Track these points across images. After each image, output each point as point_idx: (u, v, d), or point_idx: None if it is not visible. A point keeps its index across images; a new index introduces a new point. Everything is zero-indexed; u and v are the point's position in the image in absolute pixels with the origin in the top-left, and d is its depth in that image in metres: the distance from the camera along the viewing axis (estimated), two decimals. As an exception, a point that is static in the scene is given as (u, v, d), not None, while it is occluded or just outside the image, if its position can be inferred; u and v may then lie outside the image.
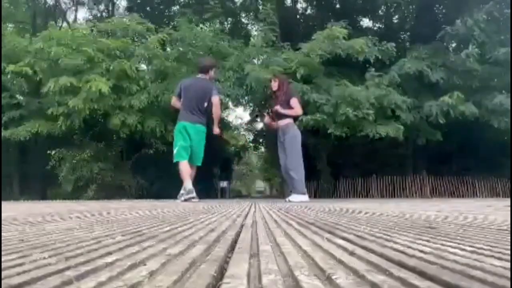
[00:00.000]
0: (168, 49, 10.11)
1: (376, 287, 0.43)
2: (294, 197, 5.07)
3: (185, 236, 0.90)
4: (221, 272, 0.53)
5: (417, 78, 9.34)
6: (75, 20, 16.30)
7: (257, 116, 17.17)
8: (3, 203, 4.27)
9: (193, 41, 8.97)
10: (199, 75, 5.26)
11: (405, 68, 8.95)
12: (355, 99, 8.25)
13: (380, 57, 9.08)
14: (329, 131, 8.72)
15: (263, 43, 9.27)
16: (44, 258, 0.60)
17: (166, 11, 15.40)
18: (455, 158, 12.02)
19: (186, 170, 4.91)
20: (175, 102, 5.30)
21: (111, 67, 8.57)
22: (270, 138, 15.14)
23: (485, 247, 0.71)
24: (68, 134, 9.84)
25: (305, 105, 8.98)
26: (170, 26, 10.07)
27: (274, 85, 5.51)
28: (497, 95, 8.69)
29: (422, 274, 0.47)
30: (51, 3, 15.92)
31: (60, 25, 15.49)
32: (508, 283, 0.41)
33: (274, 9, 10.32)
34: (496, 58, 8.91)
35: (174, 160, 5.03)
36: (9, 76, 9.23)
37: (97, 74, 8.47)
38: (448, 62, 9.18)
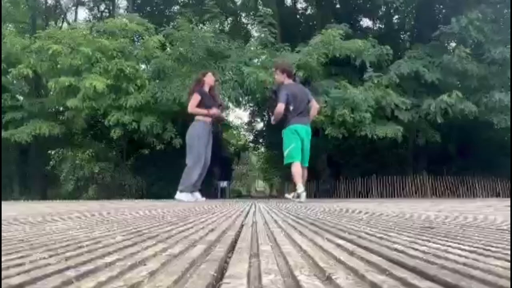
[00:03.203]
0: (168, 49, 10.12)
1: (376, 287, 0.43)
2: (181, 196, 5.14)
3: (185, 236, 0.90)
4: (221, 272, 0.53)
5: (414, 78, 9.36)
6: (75, 20, 16.31)
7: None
8: (3, 203, 4.27)
9: (193, 41, 8.97)
10: (292, 81, 5.26)
11: (401, 68, 8.98)
12: (353, 101, 8.27)
13: (376, 61, 9.11)
14: (326, 132, 8.74)
15: (261, 45, 9.28)
16: (44, 258, 0.60)
17: (166, 11, 15.42)
18: (455, 158, 12.03)
19: (299, 172, 4.89)
20: (282, 109, 5.03)
21: (109, 67, 8.58)
22: (270, 138, 15.17)
23: (485, 247, 0.71)
24: (69, 134, 9.86)
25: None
26: (171, 26, 10.07)
27: (211, 80, 5.45)
28: (496, 93, 8.70)
29: (422, 274, 0.47)
30: (51, 3, 15.92)
31: (60, 25, 15.51)
32: (508, 283, 0.41)
33: (274, 9, 10.33)
34: (493, 58, 8.92)
35: (286, 162, 4.97)
36: (8, 77, 9.24)
37: (95, 74, 8.48)
38: (444, 62, 9.19)
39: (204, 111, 5.24)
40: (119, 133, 8.84)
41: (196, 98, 5.19)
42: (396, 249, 0.67)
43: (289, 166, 5.06)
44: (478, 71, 8.97)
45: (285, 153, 4.98)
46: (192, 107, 5.19)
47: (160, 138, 9.31)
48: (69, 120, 9.10)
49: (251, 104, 14.53)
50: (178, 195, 5.12)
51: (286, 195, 5.32)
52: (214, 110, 5.31)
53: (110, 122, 8.64)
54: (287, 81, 5.22)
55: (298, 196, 4.83)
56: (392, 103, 8.58)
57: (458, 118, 8.80)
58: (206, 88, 5.39)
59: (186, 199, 5.03)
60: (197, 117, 5.30)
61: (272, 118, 5.18)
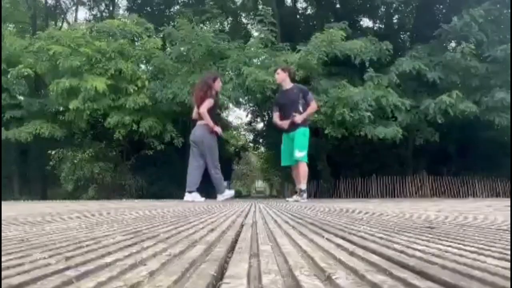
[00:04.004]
0: (168, 49, 10.12)
1: (376, 287, 0.43)
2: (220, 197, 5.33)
3: (185, 236, 0.90)
4: (221, 272, 0.53)
5: (415, 77, 9.35)
6: (75, 20, 16.31)
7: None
8: (3, 203, 4.27)
9: (193, 41, 8.97)
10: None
11: (402, 67, 8.97)
12: (352, 101, 8.27)
13: (375, 59, 9.10)
14: (326, 132, 8.75)
15: (261, 44, 9.27)
16: (44, 258, 0.60)
17: (166, 11, 15.42)
18: (455, 158, 12.02)
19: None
20: None
21: (108, 67, 8.58)
22: (270, 138, 15.16)
23: (485, 247, 0.71)
24: (69, 134, 9.86)
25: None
26: (171, 26, 10.08)
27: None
28: (497, 92, 8.69)
29: (422, 274, 0.47)
30: (51, 3, 15.93)
31: (60, 25, 15.51)
32: (508, 283, 0.41)
33: (274, 9, 10.32)
34: (495, 56, 8.91)
35: (303, 160, 5.21)
36: (9, 76, 9.24)
37: (95, 75, 8.49)
38: (446, 61, 9.18)
39: (211, 122, 5.32)
40: (122, 134, 8.88)
41: (210, 103, 5.29)
42: (396, 249, 0.67)
43: (290, 164, 5.35)
44: (480, 69, 8.97)
45: (305, 152, 5.18)
46: (205, 111, 5.26)
47: (160, 138, 9.31)
48: (70, 121, 9.11)
49: (251, 104, 14.52)
50: (219, 197, 5.31)
51: (288, 199, 5.35)
52: (218, 129, 5.49)
53: (110, 124, 8.65)
54: (290, 83, 5.40)
55: (302, 195, 5.16)
56: (391, 103, 8.58)
57: (458, 117, 8.79)
58: (213, 93, 5.45)
59: (229, 195, 5.31)
60: (202, 121, 5.38)
61: (298, 116, 5.19)
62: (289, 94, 5.31)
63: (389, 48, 9.22)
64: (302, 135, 5.18)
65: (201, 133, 5.35)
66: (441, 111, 8.52)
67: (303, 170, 5.18)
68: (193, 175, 5.29)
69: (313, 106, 5.33)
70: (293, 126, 5.22)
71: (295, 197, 5.23)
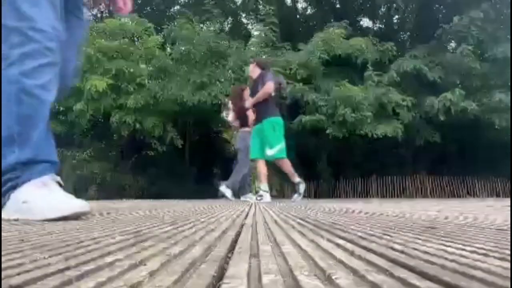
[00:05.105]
0: (168, 49, 10.13)
1: (376, 287, 0.43)
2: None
3: (185, 236, 0.90)
4: (221, 272, 0.53)
5: (416, 77, 9.37)
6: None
7: None
8: (3, 203, 4.26)
9: (194, 41, 8.99)
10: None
11: (403, 67, 8.98)
12: (354, 100, 8.29)
13: (378, 59, 9.12)
14: (327, 132, 8.76)
15: (262, 43, 9.29)
16: (44, 258, 0.60)
17: (166, 11, 15.42)
18: (455, 158, 12.02)
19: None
20: (272, 88, 4.74)
21: (109, 67, 8.61)
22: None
23: (485, 247, 0.71)
24: (69, 133, 9.88)
25: (304, 105, 9.03)
26: (171, 26, 10.10)
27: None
28: (497, 93, 8.70)
29: (422, 274, 0.47)
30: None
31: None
32: (508, 283, 0.41)
33: (274, 9, 10.35)
34: (495, 56, 8.92)
35: (278, 156, 4.75)
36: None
37: (96, 74, 8.51)
38: (446, 61, 9.20)
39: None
40: (127, 131, 8.92)
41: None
42: (396, 249, 0.67)
43: (271, 161, 4.99)
44: (480, 69, 8.98)
45: (278, 147, 4.71)
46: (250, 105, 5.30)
47: (161, 138, 9.33)
48: (72, 121, 9.14)
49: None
50: (223, 188, 5.27)
51: (292, 199, 5.26)
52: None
53: (116, 120, 8.68)
54: (257, 72, 4.93)
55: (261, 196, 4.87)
56: (393, 101, 8.60)
57: (459, 117, 8.80)
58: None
59: (230, 195, 5.25)
60: (245, 129, 5.56)
61: (251, 99, 4.75)
62: (253, 83, 4.96)
63: (393, 50, 9.26)
64: (270, 129, 4.65)
65: (241, 138, 5.63)
66: (444, 108, 8.53)
67: (288, 168, 4.83)
68: (241, 179, 5.50)
69: (266, 86, 4.59)
70: (257, 115, 4.82)
71: (252, 196, 5.19)
